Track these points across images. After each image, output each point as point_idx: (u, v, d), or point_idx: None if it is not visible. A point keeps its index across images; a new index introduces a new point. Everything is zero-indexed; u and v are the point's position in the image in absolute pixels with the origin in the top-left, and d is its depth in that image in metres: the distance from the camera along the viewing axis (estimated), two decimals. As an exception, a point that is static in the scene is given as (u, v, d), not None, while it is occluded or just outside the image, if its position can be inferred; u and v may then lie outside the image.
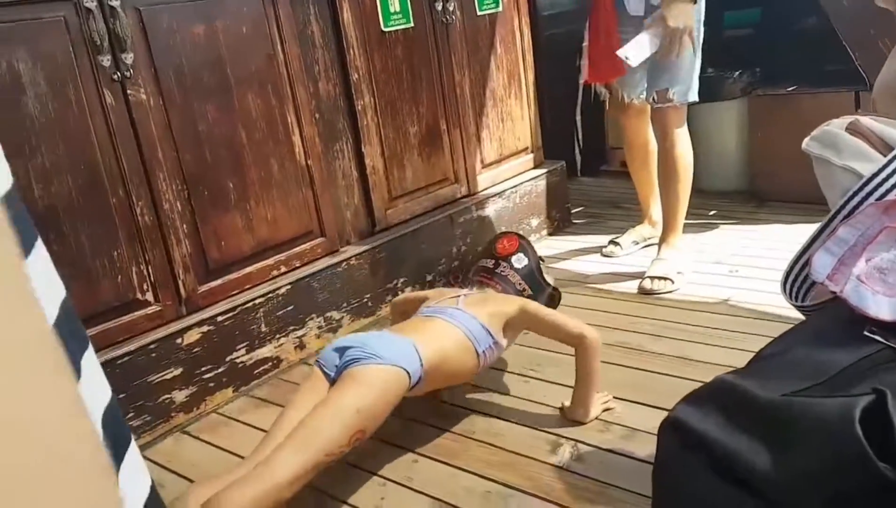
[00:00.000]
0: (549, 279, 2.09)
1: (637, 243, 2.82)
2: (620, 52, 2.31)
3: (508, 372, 2.01)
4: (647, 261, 2.56)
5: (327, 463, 1.42)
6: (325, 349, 1.63)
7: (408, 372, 1.54)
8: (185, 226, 1.97)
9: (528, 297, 1.94)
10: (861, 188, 0.73)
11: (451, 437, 1.76)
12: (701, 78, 2.49)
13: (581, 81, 2.79)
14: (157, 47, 1.88)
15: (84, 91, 1.75)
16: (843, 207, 0.74)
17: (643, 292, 2.41)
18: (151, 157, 1.88)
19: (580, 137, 4.08)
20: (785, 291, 0.81)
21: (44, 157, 1.69)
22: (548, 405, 1.82)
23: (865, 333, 0.67)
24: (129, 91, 1.84)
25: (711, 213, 3.15)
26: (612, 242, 2.83)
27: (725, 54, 3.37)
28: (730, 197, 3.28)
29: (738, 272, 2.48)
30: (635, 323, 2.21)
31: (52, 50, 1.70)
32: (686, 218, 2.56)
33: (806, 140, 0.81)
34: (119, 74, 1.81)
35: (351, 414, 1.43)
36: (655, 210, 2.78)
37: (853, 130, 0.76)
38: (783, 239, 2.67)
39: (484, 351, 1.72)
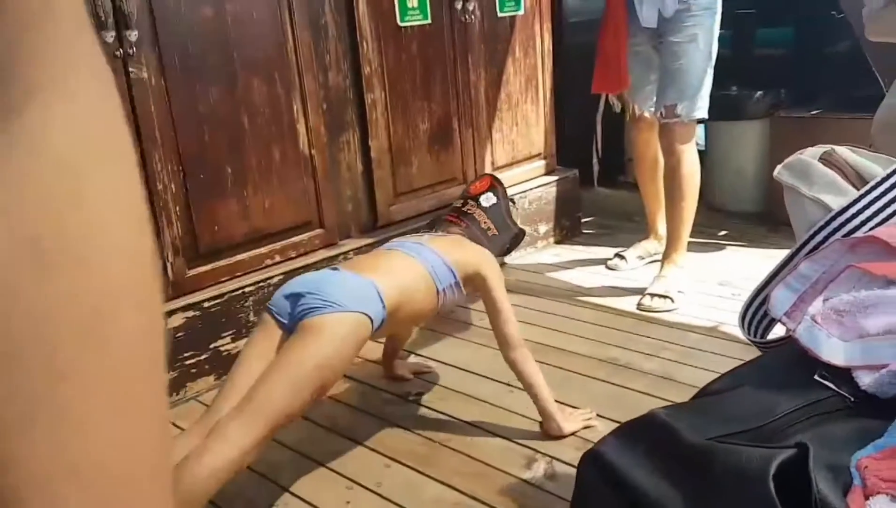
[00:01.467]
0: (518, 221, 2.05)
1: (642, 258, 2.76)
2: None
3: (492, 380, 1.96)
4: (651, 277, 2.50)
5: (289, 422, 1.35)
6: (276, 294, 1.49)
7: (370, 317, 1.42)
8: (177, 208, 1.96)
9: (492, 236, 1.89)
10: (828, 223, 0.68)
11: (426, 444, 1.72)
12: (723, 96, 2.43)
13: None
14: (162, 27, 1.87)
15: (83, 65, 1.74)
16: (807, 241, 0.69)
17: (642, 309, 2.35)
18: (148, 136, 1.87)
19: (599, 147, 4.02)
20: (743, 326, 0.76)
21: (37, 129, 1.68)
22: (528, 418, 1.78)
23: (816, 377, 0.62)
24: (130, 69, 1.82)
25: (721, 233, 3.08)
26: (617, 255, 2.77)
27: (753, 73, 3.30)
28: (743, 218, 3.20)
29: (740, 296, 2.40)
30: (630, 340, 2.16)
31: (54, 22, 1.69)
32: (695, 236, 2.50)
33: (778, 168, 0.77)
34: (122, 50, 1.80)
35: (309, 372, 1.32)
36: (662, 225, 2.72)
37: (827, 160, 0.71)
38: (794, 266, 2.59)
39: (444, 289, 1.61)
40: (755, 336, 0.76)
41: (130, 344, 0.27)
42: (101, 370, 0.26)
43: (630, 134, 2.79)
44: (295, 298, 1.43)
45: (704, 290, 2.48)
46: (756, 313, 0.76)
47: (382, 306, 1.46)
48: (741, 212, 3.25)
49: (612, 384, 1.92)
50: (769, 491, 0.46)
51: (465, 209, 1.94)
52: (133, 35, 1.81)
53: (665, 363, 2.00)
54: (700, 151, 2.51)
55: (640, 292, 2.44)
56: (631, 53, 2.45)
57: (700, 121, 2.45)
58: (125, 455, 0.28)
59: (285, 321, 1.44)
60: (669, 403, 1.76)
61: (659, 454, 0.56)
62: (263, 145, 2.12)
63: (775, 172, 0.78)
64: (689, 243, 2.53)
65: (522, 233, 2.00)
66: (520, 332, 1.69)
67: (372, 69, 2.40)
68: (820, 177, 0.69)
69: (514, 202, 2.05)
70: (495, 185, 2.00)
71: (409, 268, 1.59)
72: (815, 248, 0.68)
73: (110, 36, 1.78)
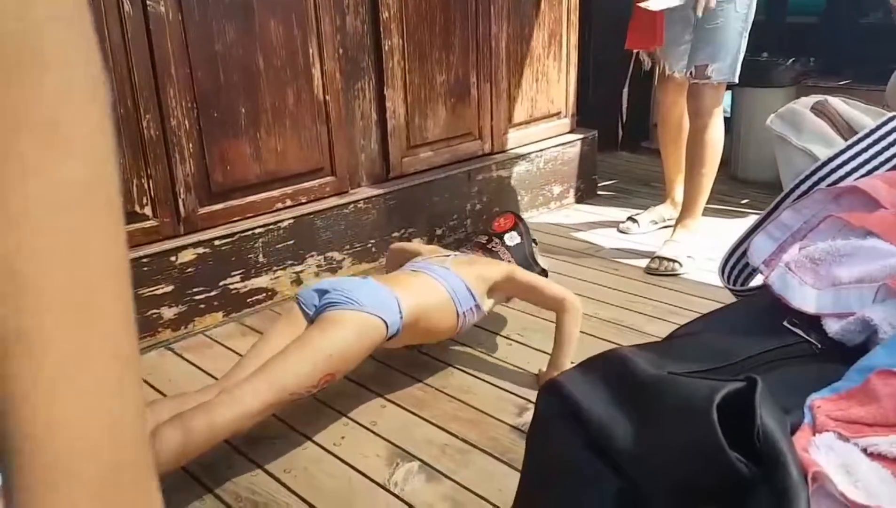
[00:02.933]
0: (541, 262, 2.08)
1: (656, 223, 2.74)
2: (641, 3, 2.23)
3: (494, 333, 1.98)
4: (662, 241, 2.49)
5: (292, 401, 1.43)
6: (306, 287, 1.63)
7: (386, 323, 1.53)
8: (190, 145, 1.97)
9: None
10: (814, 172, 0.67)
11: (423, 388, 1.75)
12: (752, 62, 2.38)
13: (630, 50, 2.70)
14: (181, -39, 1.86)
15: (101, -4, 1.75)
16: (792, 190, 0.68)
17: (649, 271, 2.35)
18: (164, 71, 1.88)
19: (625, 109, 3.97)
20: (722, 274, 0.76)
21: (53, 57, 1.70)
22: (525, 370, 1.80)
23: (785, 324, 0.62)
24: (148, 2, 1.82)
25: (743, 201, 3.04)
26: (630, 218, 2.76)
27: (784, 40, 3.22)
28: (766, 187, 3.15)
29: (752, 265, 2.39)
30: (635, 302, 2.16)
31: (73, -49, 1.69)
32: (717, 204, 2.48)
33: (771, 116, 0.76)
34: (139, -17, 1.80)
35: (323, 357, 1.43)
36: (679, 191, 2.69)
37: (819, 110, 0.70)
38: (808, 238, 2.56)
39: (464, 312, 1.71)
40: (734, 285, 0.76)
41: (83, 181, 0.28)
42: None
43: (657, 95, 2.74)
44: (321, 293, 1.57)
45: (716, 257, 2.46)
46: (737, 263, 0.76)
47: (400, 316, 1.56)
48: (765, 181, 3.20)
49: (614, 343, 1.92)
50: (712, 420, 0.46)
51: (489, 247, 2.00)
52: (151, -32, 1.81)
53: (670, 327, 1.96)
54: (725, 118, 2.47)
55: (650, 255, 2.43)
56: (667, 10, 2.40)
57: (729, 86, 2.40)
58: (79, 328, 0.28)
59: (309, 312, 1.57)
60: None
61: (617, 386, 0.57)
62: (278, 88, 2.12)
63: (767, 121, 0.77)
64: (709, 210, 2.51)
65: (545, 273, 2.04)
66: (569, 292, 1.75)
67: (391, 14, 2.37)
68: (810, 126, 0.68)
69: (536, 242, 2.10)
70: (518, 223, 2.06)
71: (432, 289, 1.68)
72: (800, 198, 0.68)
73: (129, -32, 1.78)
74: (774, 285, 0.63)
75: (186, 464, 1.45)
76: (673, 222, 2.63)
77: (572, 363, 1.77)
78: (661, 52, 2.54)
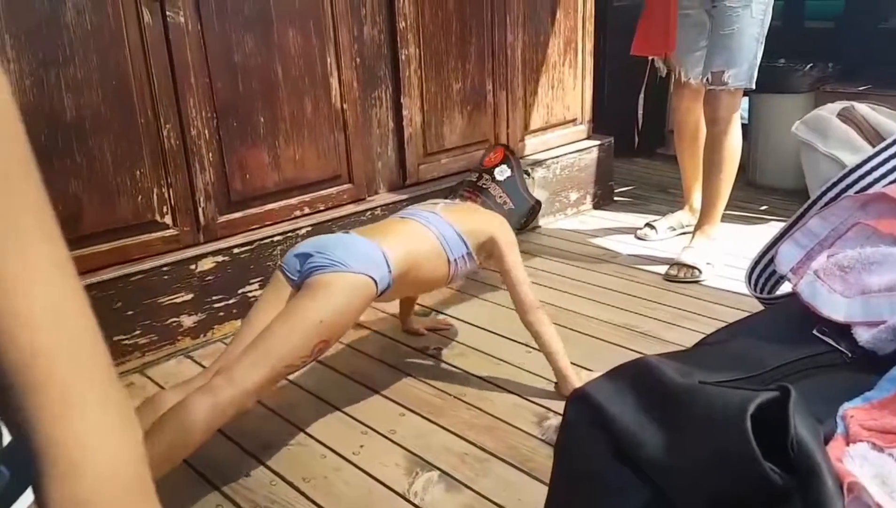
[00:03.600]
0: (535, 193, 2.02)
1: (673, 229, 2.73)
2: None
3: (511, 340, 1.98)
4: (680, 248, 2.48)
5: (289, 373, 1.40)
6: (287, 253, 1.55)
7: (374, 280, 1.45)
8: (210, 154, 1.99)
9: (509, 210, 1.86)
10: (841, 179, 0.67)
11: (441, 396, 1.75)
12: (770, 68, 2.36)
13: (636, 56, 2.69)
14: (200, -28, 1.88)
15: (122, 7, 1.77)
16: (819, 197, 0.68)
17: (668, 278, 2.33)
18: (183, 81, 1.90)
19: (640, 116, 3.95)
20: (749, 282, 0.75)
21: (76, 67, 1.72)
22: (543, 378, 1.79)
23: (814, 332, 0.62)
24: (167, 12, 1.84)
25: (762, 208, 3.02)
26: (647, 225, 2.74)
27: (801, 45, 3.20)
28: (784, 194, 3.13)
29: (772, 272, 2.37)
30: (653, 309, 2.15)
31: (95, -37, 1.71)
32: (735, 210, 2.46)
33: (796, 123, 0.75)
34: (160, -6, 1.82)
35: (313, 325, 1.37)
36: (697, 197, 2.67)
37: (845, 116, 0.69)
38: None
39: (456, 260, 1.64)
40: (761, 293, 0.75)
41: None
42: None
43: (672, 101, 2.73)
44: (304, 257, 1.49)
45: (737, 263, 2.45)
46: (764, 271, 0.75)
47: (388, 270, 1.49)
48: (783, 188, 3.18)
49: (631, 349, 1.91)
50: (745, 430, 0.46)
51: (479, 183, 1.92)
52: (171, -20, 1.83)
53: (687, 333, 1.98)
54: (742, 125, 2.46)
55: (668, 262, 2.42)
56: (681, 15, 2.39)
57: (746, 92, 2.39)
58: None
59: (294, 278, 1.49)
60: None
61: (646, 395, 0.57)
62: (296, 97, 2.13)
63: (793, 127, 0.76)
64: (728, 216, 2.49)
65: (539, 204, 1.97)
66: (535, 294, 1.69)
67: (407, 24, 2.38)
68: (836, 133, 0.68)
69: (528, 173, 2.03)
70: (509, 156, 1.97)
71: (421, 236, 1.61)
72: (827, 205, 0.67)
73: (149, -20, 1.80)
74: (803, 294, 0.62)
75: (202, 467, 1.46)
76: (691, 229, 2.61)
77: (590, 370, 1.77)
78: (675, 59, 2.53)
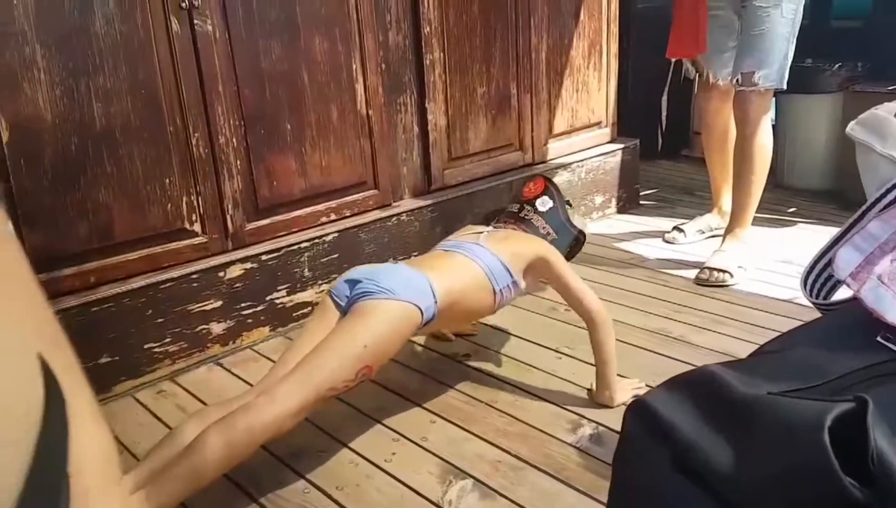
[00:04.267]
0: (577, 223, 2.00)
1: (702, 233, 2.70)
2: None
3: (541, 346, 1.96)
4: (710, 251, 2.44)
5: (331, 396, 1.40)
6: (338, 280, 1.57)
7: (420, 309, 1.48)
8: (238, 162, 1.99)
9: (552, 240, 1.84)
10: (903, 180, 0.64)
11: (472, 403, 1.73)
12: (797, 68, 2.32)
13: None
14: (227, -20, 1.89)
15: (151, 16, 1.78)
16: (878, 199, 0.66)
17: (699, 282, 2.30)
18: (212, 89, 1.90)
19: (664, 117, 3.92)
20: (805, 287, 0.73)
21: (106, 77, 1.73)
22: (576, 385, 1.77)
23: (878, 339, 0.60)
24: (195, 21, 1.85)
25: (790, 210, 2.98)
26: (676, 228, 2.71)
27: (828, 45, 3.15)
28: (812, 196, 3.09)
29: (805, 275, 2.33)
30: (683, 313, 2.12)
31: (124, -27, 1.72)
32: (763, 213, 2.43)
33: (851, 123, 0.73)
34: (187, 2, 1.82)
35: (358, 350, 1.39)
36: (726, 200, 2.64)
37: (905, 115, 0.67)
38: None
39: (501, 289, 1.65)
40: (817, 299, 0.73)
41: None
42: None
43: (699, 102, 2.69)
44: (353, 283, 1.52)
45: (768, 267, 2.41)
46: (820, 275, 0.73)
47: (434, 300, 1.52)
48: (811, 189, 3.13)
49: (664, 355, 1.89)
50: (823, 442, 0.44)
51: (522, 215, 1.90)
52: (199, -12, 1.83)
53: (721, 338, 1.95)
54: (771, 125, 2.42)
55: (698, 265, 2.39)
56: (710, 17, 2.37)
57: (774, 93, 2.35)
58: None
59: (342, 304, 1.52)
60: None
61: (708, 406, 0.55)
62: (322, 103, 2.13)
63: (848, 128, 0.74)
64: (756, 219, 2.45)
65: (583, 235, 1.95)
66: (599, 300, 1.67)
67: (432, 29, 2.38)
68: (894, 133, 0.66)
69: (570, 204, 2.00)
70: (549, 187, 1.95)
71: (466, 269, 1.63)
72: (887, 207, 0.65)
73: (177, -11, 1.81)
74: (866, 299, 0.60)
75: (235, 475, 1.46)
76: (720, 232, 2.58)
77: (622, 376, 1.74)
78: (704, 60, 2.50)
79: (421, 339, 2.06)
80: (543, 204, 1.90)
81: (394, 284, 1.48)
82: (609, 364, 1.65)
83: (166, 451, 1.29)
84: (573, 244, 1.92)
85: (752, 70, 2.24)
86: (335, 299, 1.54)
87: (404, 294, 1.47)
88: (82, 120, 1.72)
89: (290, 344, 1.52)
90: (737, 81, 2.29)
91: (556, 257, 1.70)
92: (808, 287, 0.74)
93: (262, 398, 1.32)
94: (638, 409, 0.59)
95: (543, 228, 1.86)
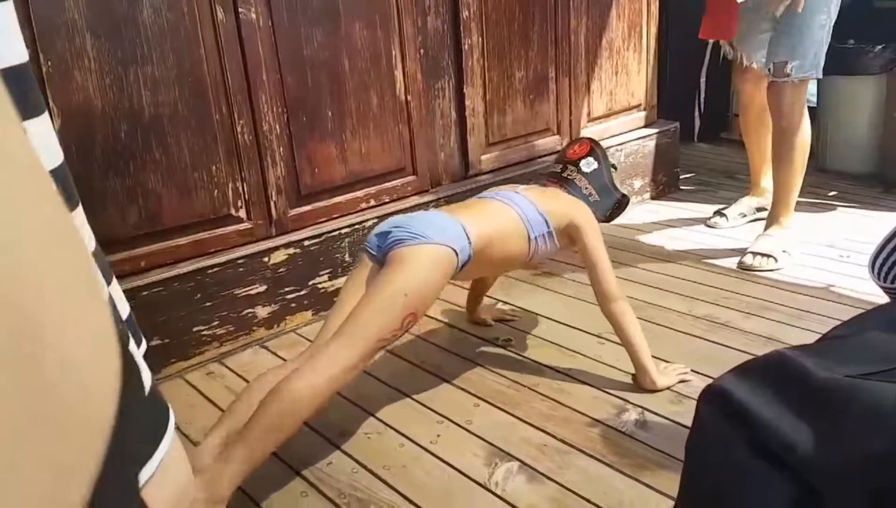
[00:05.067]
0: (621, 187, 1.96)
1: (745, 216, 2.66)
2: None
3: (582, 331, 1.96)
4: (753, 236, 2.41)
5: (383, 346, 1.41)
6: (371, 233, 1.56)
7: (455, 251, 1.46)
8: (281, 149, 2.01)
9: (595, 202, 1.82)
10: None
11: (515, 387, 1.74)
12: (840, 49, 2.27)
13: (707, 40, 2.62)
14: (270, -32, 1.90)
15: (197, 5, 1.80)
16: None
17: (743, 267, 2.28)
18: (256, 77, 1.92)
19: (702, 99, 3.87)
20: (873, 270, 0.72)
21: (154, 66, 1.76)
22: (619, 370, 1.77)
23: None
24: (240, 9, 1.87)
25: (831, 194, 2.93)
26: (717, 212, 2.68)
27: (871, 26, 3.07)
28: (854, 179, 3.03)
29: (850, 258, 2.30)
30: (728, 298, 2.10)
31: (171, -38, 1.74)
32: (804, 197, 2.39)
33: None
34: (232, -9, 1.84)
35: (400, 299, 1.38)
36: (766, 179, 2.60)
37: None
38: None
39: (536, 238, 1.62)
40: (886, 282, 0.72)
41: None
42: None
43: (736, 84, 2.66)
44: (385, 235, 1.50)
45: (811, 251, 2.37)
46: (888, 259, 0.72)
47: (469, 242, 1.50)
48: (853, 173, 3.07)
49: (710, 341, 1.88)
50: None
51: (565, 175, 1.86)
52: (243, -24, 1.85)
53: (768, 324, 1.93)
54: (811, 108, 2.37)
55: (741, 251, 2.36)
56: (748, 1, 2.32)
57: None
58: None
59: (376, 255, 1.51)
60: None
61: (786, 389, 0.55)
62: (362, 90, 2.14)
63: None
64: (797, 203, 2.41)
65: (626, 199, 1.90)
66: (619, 285, 1.66)
67: (470, 13, 2.37)
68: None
69: (615, 167, 1.96)
70: (595, 148, 1.92)
71: (501, 213, 1.61)
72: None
73: (222, -23, 1.82)
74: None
75: (286, 455, 1.49)
76: (763, 213, 2.54)
77: (668, 363, 1.74)
78: (738, 42, 2.45)
79: (462, 324, 2.07)
80: (588, 165, 1.87)
81: (425, 228, 1.46)
82: (636, 346, 1.65)
83: (232, 421, 1.32)
84: (615, 207, 1.90)
85: (785, 60, 2.18)
86: (370, 252, 1.53)
87: (437, 237, 1.45)
88: (131, 108, 1.75)
89: (335, 303, 1.53)
90: (770, 70, 2.23)
91: (588, 224, 1.67)
92: (877, 271, 0.73)
93: (313, 358, 1.33)
94: (712, 394, 0.59)
95: (586, 188, 1.83)
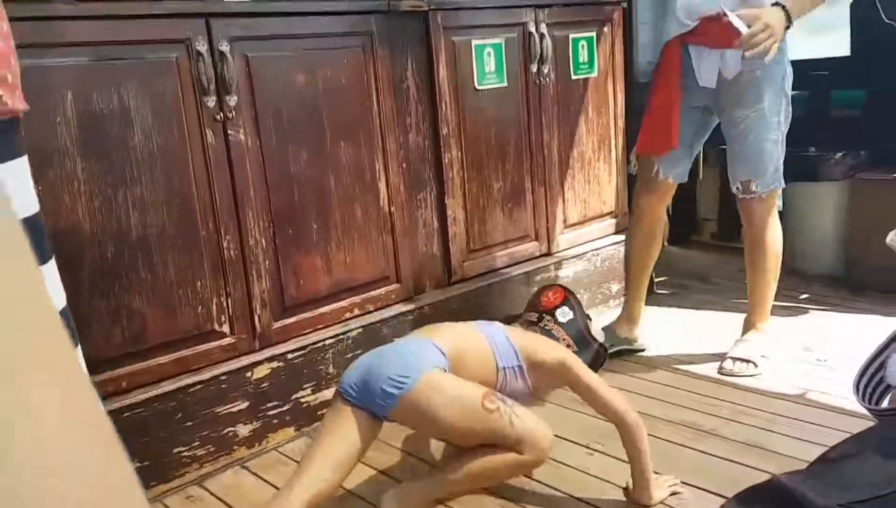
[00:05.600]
0: (597, 336, 1.97)
1: (613, 346, 2.41)
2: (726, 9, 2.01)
3: (571, 442, 1.94)
4: (731, 342, 2.45)
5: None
6: (345, 377, 1.57)
7: (442, 369, 1.51)
8: (267, 262, 2.03)
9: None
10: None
11: (503, 504, 1.71)
12: (801, 157, 2.38)
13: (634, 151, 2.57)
14: (259, 92, 1.98)
15: (187, 128, 1.85)
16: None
17: (723, 373, 2.30)
18: (243, 194, 1.96)
19: (670, 205, 4.00)
20: (857, 392, 0.75)
21: (143, 187, 1.79)
22: (609, 483, 1.75)
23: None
24: (229, 131, 1.93)
25: (803, 296, 3.00)
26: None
27: (830, 134, 3.25)
28: (824, 282, 3.12)
29: (826, 362, 2.34)
30: (711, 405, 2.11)
31: (162, 87, 1.81)
32: (776, 300, 2.45)
33: (891, 234, 0.76)
34: (222, 114, 1.91)
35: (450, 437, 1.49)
36: (637, 308, 2.53)
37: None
38: (878, 331, 2.49)
39: (505, 368, 1.61)
40: (870, 403, 0.75)
41: None
42: None
43: (636, 199, 2.51)
44: (363, 384, 1.53)
45: (788, 356, 2.42)
46: (872, 380, 0.75)
47: (444, 356, 1.53)
48: (822, 275, 3.16)
49: (694, 449, 1.88)
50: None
51: (541, 325, 1.87)
52: (233, 100, 1.92)
53: (749, 430, 1.94)
54: (779, 213, 2.47)
55: (720, 356, 2.39)
56: (682, 109, 2.27)
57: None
58: None
59: (377, 413, 1.53)
60: (758, 471, 1.71)
61: (790, 527, 0.56)
62: (347, 203, 2.19)
63: (888, 239, 0.78)
64: (772, 307, 2.46)
65: (604, 349, 1.89)
66: (627, 402, 1.65)
67: (449, 130, 2.47)
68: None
69: (590, 318, 1.96)
70: (568, 297, 1.92)
71: (470, 335, 1.62)
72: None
73: (212, 101, 1.89)
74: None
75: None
76: (635, 345, 2.50)
77: (656, 473, 1.73)
78: (657, 157, 2.37)
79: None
80: (563, 315, 1.86)
81: (407, 366, 1.48)
82: (643, 465, 1.64)
83: None
84: (594, 359, 1.88)
85: (749, 179, 2.25)
86: (347, 399, 1.54)
87: (423, 366, 1.47)
88: (119, 228, 1.77)
89: (311, 444, 1.53)
90: (737, 188, 2.29)
91: (575, 363, 1.65)
92: (861, 392, 0.76)
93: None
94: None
95: (563, 339, 1.83)
